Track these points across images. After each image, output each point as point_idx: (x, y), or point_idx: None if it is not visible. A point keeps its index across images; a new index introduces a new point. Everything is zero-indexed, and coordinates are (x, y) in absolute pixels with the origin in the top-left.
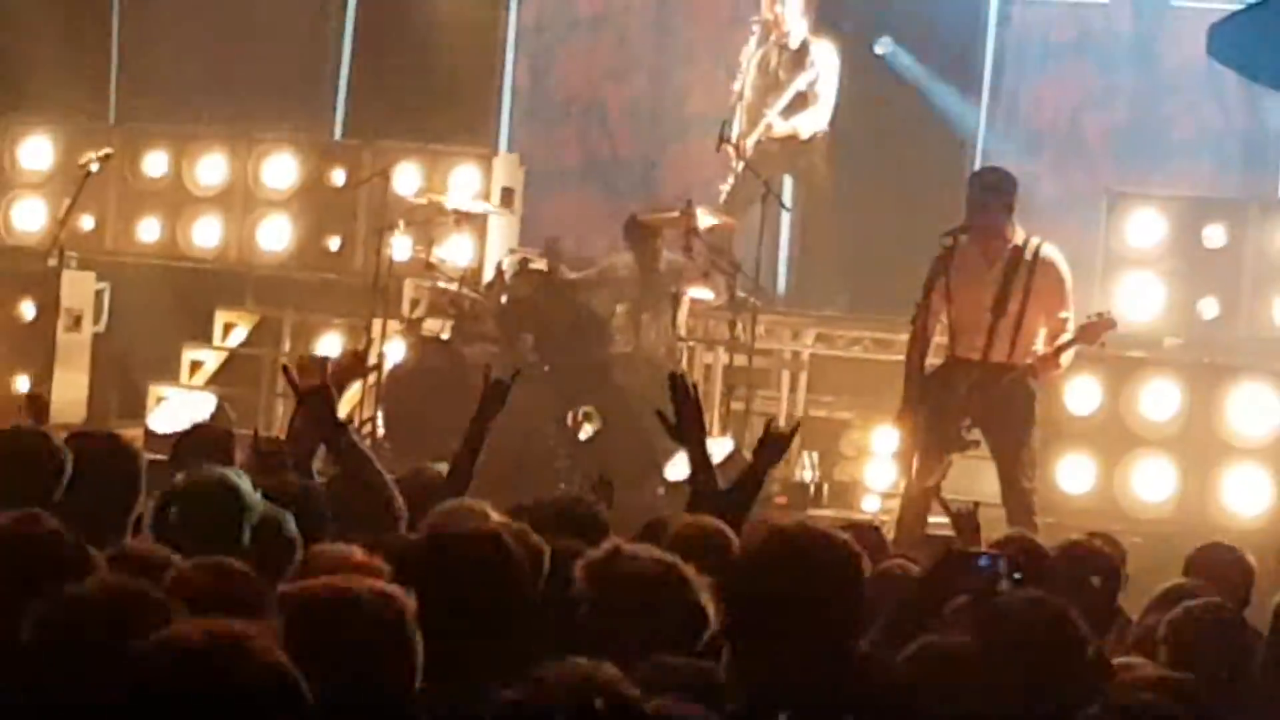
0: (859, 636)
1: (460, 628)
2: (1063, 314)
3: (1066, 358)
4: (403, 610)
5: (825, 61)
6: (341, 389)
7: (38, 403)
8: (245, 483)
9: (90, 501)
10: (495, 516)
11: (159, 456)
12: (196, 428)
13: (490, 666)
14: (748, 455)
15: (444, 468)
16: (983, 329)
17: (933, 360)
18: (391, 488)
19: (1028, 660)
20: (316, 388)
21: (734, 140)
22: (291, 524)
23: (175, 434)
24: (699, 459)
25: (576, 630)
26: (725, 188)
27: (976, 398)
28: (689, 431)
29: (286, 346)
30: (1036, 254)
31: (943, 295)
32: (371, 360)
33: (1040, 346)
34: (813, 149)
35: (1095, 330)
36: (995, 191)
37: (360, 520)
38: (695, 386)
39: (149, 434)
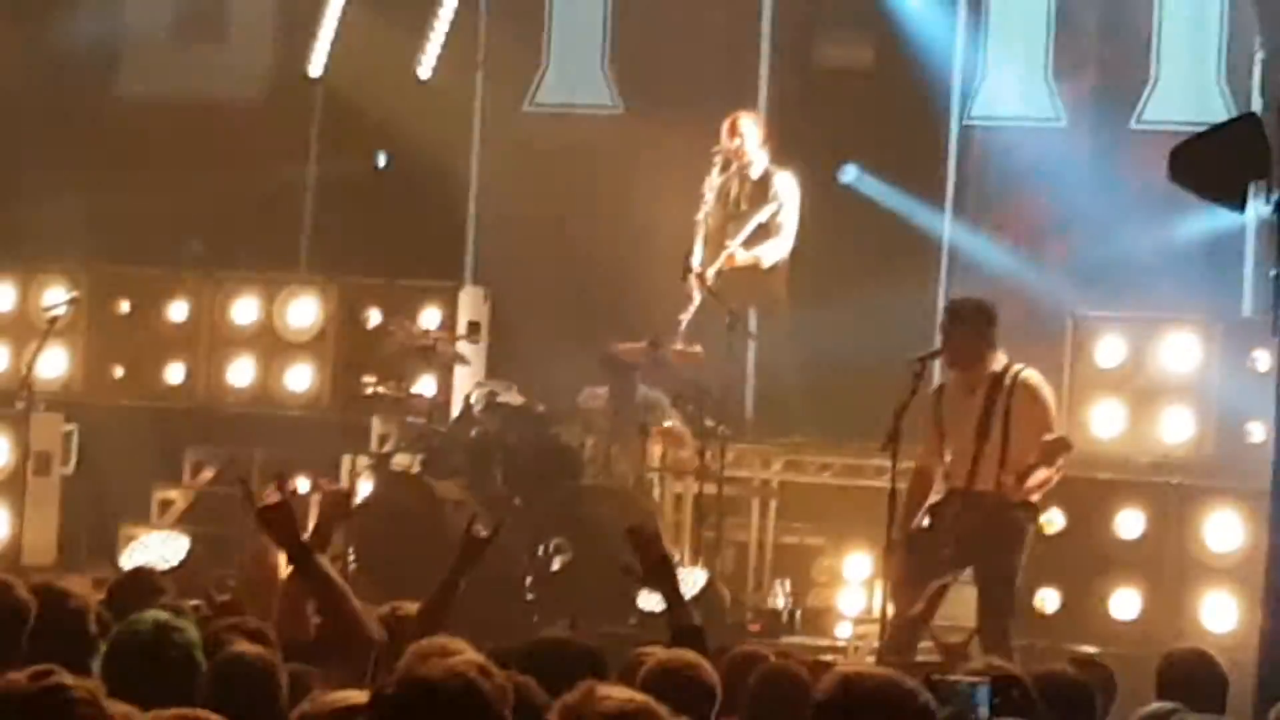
0: None
1: None
2: (1048, 437)
3: (1035, 479)
4: None
5: (787, 192)
6: (331, 528)
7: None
8: (189, 626)
9: (47, 654)
10: (471, 654)
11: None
12: (129, 574)
13: None
14: (722, 587)
15: (416, 606)
16: (967, 457)
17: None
18: (358, 612)
19: None
20: (277, 505)
21: (696, 270)
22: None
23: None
24: (673, 600)
25: None
26: (685, 317)
27: (960, 525)
28: (658, 579)
29: (256, 484)
30: (1015, 379)
31: (937, 430)
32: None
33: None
34: (774, 278)
35: (1053, 453)
36: (967, 321)
37: (332, 647)
38: (655, 534)
39: None
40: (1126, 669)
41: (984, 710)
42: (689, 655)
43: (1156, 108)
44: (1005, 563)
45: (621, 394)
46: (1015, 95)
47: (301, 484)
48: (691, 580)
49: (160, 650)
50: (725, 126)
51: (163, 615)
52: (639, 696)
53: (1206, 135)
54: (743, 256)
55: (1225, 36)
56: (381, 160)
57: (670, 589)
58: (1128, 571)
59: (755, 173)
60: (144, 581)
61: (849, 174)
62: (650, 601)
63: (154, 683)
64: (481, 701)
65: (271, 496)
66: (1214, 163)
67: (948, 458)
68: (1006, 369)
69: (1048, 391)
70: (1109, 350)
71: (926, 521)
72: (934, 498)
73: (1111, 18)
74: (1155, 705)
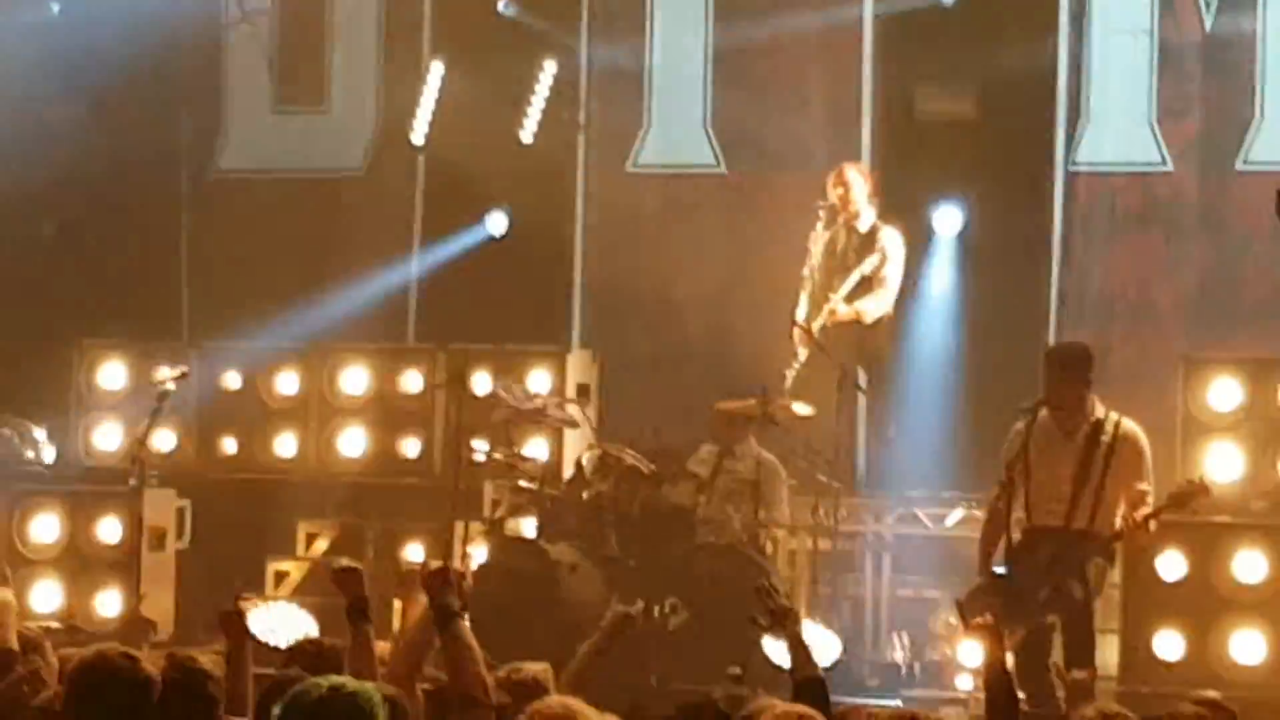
0: None
1: None
2: (1142, 486)
3: (1154, 524)
4: None
5: (893, 247)
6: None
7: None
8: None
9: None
10: (594, 714)
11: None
12: (308, 642)
13: None
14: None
15: (535, 667)
16: (1064, 499)
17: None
18: (486, 678)
19: None
20: (441, 570)
21: (801, 324)
22: None
23: (279, 648)
24: (796, 650)
25: None
26: (790, 372)
27: (1058, 563)
28: (784, 629)
29: (370, 554)
30: (1117, 428)
31: (1022, 469)
32: (456, 565)
33: (1119, 517)
34: (878, 333)
35: (1187, 497)
36: (1071, 366)
37: (451, 707)
38: (776, 589)
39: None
40: (1252, 713)
41: None
42: (805, 709)
43: (1262, 148)
44: (1090, 603)
45: (725, 446)
46: (1119, 141)
47: (415, 551)
48: (828, 653)
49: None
50: (831, 178)
51: (337, 679)
52: None
53: None
54: (844, 311)
55: None
56: (499, 226)
57: (794, 639)
58: (1251, 615)
59: (863, 225)
60: (322, 652)
61: (949, 217)
62: (777, 651)
63: None
64: None
65: (434, 563)
66: None
67: (1025, 496)
68: (1106, 416)
69: (1146, 441)
70: (1221, 392)
71: (1003, 567)
72: (1011, 536)
73: (1213, 59)
74: None
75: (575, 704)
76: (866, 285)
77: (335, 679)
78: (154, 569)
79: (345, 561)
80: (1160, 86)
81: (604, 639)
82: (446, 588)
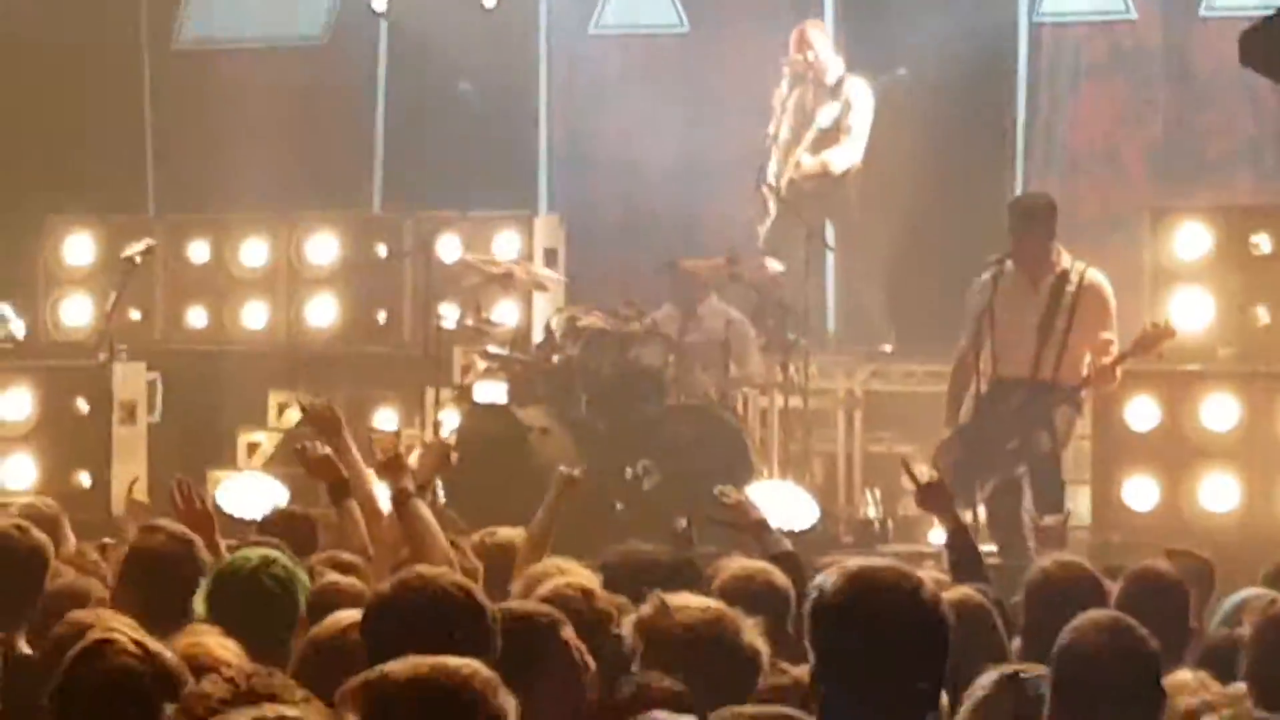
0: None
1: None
2: (1105, 335)
3: (1119, 371)
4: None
5: (858, 96)
6: (432, 478)
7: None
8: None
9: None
10: (584, 572)
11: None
12: (278, 513)
13: None
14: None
15: (510, 532)
16: (1029, 349)
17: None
18: (449, 554)
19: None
20: (390, 460)
21: (770, 182)
22: None
23: (251, 520)
24: (763, 535)
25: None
26: (762, 229)
27: (1025, 413)
28: (744, 527)
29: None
30: (1082, 278)
31: (988, 321)
32: (429, 430)
33: (1085, 366)
34: (845, 185)
35: (1152, 340)
36: (1035, 217)
37: None
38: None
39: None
40: (1224, 562)
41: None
42: (760, 563)
43: None
44: (1058, 453)
45: (685, 307)
46: None
47: (387, 418)
48: (803, 507)
49: (261, 585)
50: (794, 39)
51: (270, 553)
52: (712, 603)
53: (1275, 17)
54: (809, 162)
55: None
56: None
57: (756, 530)
58: (1221, 463)
59: (830, 79)
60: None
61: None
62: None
63: (256, 617)
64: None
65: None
66: None
67: (991, 348)
68: (1072, 267)
69: (1111, 290)
70: (1188, 241)
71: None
72: (979, 388)
73: None
74: (1254, 589)
75: (566, 564)
76: (833, 136)
77: (269, 554)
78: (126, 444)
79: (314, 447)
80: None
81: (552, 503)
82: (398, 473)
